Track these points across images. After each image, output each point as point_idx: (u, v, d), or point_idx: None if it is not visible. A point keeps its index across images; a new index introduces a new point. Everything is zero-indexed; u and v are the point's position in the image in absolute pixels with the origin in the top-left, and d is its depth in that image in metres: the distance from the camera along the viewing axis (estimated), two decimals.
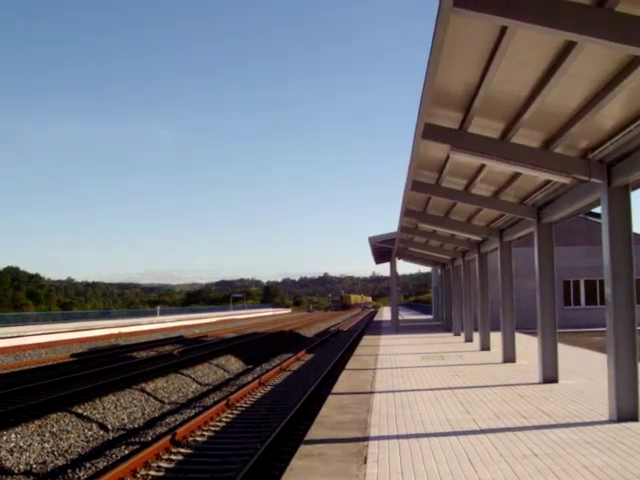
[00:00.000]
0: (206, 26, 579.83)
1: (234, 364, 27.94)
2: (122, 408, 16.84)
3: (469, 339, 27.40)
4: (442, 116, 10.80)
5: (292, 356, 30.23)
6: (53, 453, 12.88)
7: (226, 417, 15.86)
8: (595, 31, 6.37)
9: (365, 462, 8.08)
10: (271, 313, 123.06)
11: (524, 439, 9.22)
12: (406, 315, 72.18)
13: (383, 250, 40.48)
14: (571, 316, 37.68)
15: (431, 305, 69.86)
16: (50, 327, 50.56)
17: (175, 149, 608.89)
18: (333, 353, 32.17)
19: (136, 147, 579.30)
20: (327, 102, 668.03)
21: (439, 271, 44.82)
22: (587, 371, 16.55)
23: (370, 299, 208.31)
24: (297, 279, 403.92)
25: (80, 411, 15.67)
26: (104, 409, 16.33)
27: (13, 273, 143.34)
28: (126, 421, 16.03)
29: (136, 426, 15.53)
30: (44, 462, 12.28)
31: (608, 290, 10.33)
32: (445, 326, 37.30)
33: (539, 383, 14.67)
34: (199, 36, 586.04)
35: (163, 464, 11.60)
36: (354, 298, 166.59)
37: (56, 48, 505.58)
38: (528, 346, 22.52)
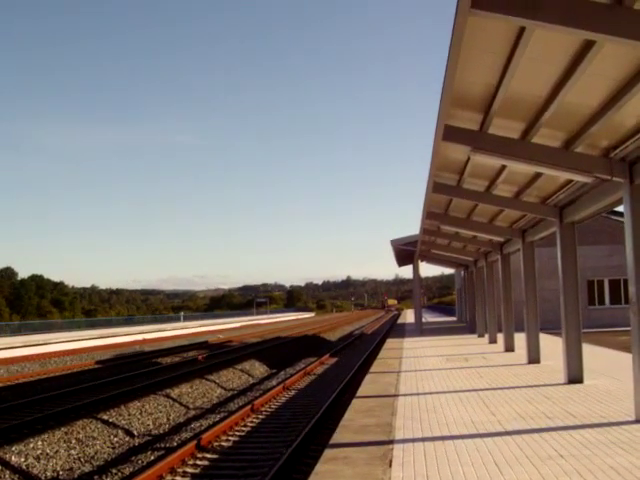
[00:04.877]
0: (216, 27, 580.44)
1: (258, 369, 28.02)
2: (147, 414, 16.94)
3: (493, 340, 27.26)
4: (462, 117, 10.78)
5: (316, 360, 30.25)
6: (79, 459, 13.00)
7: (251, 422, 15.91)
8: (614, 29, 6.34)
9: (390, 465, 8.08)
10: (294, 317, 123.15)
11: (549, 440, 9.17)
12: (430, 317, 71.93)
13: (406, 252, 40.35)
14: (595, 316, 37.36)
15: (454, 307, 69.55)
16: (75, 334, 50.84)
17: (193, 153, 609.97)
18: (357, 356, 32.15)
19: (153, 151, 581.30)
20: (344, 102, 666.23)
21: (462, 273, 44.63)
22: (612, 371, 16.41)
23: (396, 302, 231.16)
24: (320, 283, 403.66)
25: (106, 417, 15.79)
26: (130, 415, 16.44)
27: (38, 281, 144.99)
28: (151, 427, 16.14)
29: (161, 432, 15.63)
30: (70, 468, 12.40)
31: (632, 289, 10.22)
32: (469, 328, 37.13)
33: (564, 384, 14.57)
34: (213, 36, 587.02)
35: (189, 469, 11.68)
36: (390, 301, 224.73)
37: (69, 50, 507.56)
38: (553, 347, 22.34)
